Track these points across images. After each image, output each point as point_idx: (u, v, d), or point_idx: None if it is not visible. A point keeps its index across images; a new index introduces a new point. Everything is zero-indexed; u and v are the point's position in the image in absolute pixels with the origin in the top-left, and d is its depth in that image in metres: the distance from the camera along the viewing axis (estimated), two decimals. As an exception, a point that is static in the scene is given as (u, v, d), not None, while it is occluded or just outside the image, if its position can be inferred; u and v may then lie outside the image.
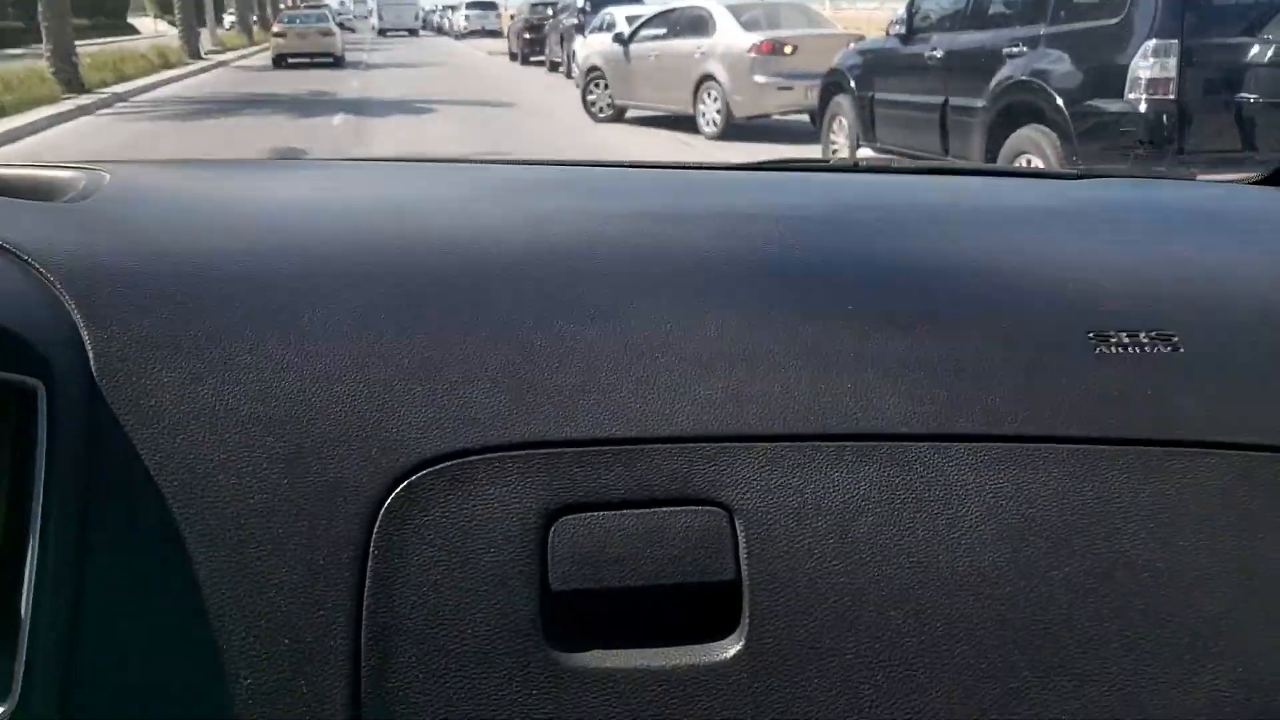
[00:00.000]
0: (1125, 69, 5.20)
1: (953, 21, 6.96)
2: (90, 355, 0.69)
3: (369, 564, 0.68)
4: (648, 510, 0.70)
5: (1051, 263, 0.88)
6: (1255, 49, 5.03)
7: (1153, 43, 5.11)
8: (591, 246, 0.86)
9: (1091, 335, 0.78)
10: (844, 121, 8.21)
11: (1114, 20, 5.41)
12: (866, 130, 7.79)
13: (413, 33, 50.47)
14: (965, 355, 0.76)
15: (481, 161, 1.34)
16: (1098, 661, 0.71)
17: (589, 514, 0.70)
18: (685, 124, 11.53)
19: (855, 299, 0.80)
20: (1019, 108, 5.94)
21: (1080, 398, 0.75)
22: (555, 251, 0.84)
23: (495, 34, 37.82)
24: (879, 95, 7.69)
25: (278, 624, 0.66)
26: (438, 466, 0.69)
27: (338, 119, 13.24)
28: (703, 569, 0.70)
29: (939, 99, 6.79)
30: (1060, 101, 5.59)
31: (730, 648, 0.70)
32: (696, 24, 11.49)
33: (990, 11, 6.67)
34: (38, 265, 0.72)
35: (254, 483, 0.67)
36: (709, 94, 11.17)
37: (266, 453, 0.68)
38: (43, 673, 0.63)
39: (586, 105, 13.43)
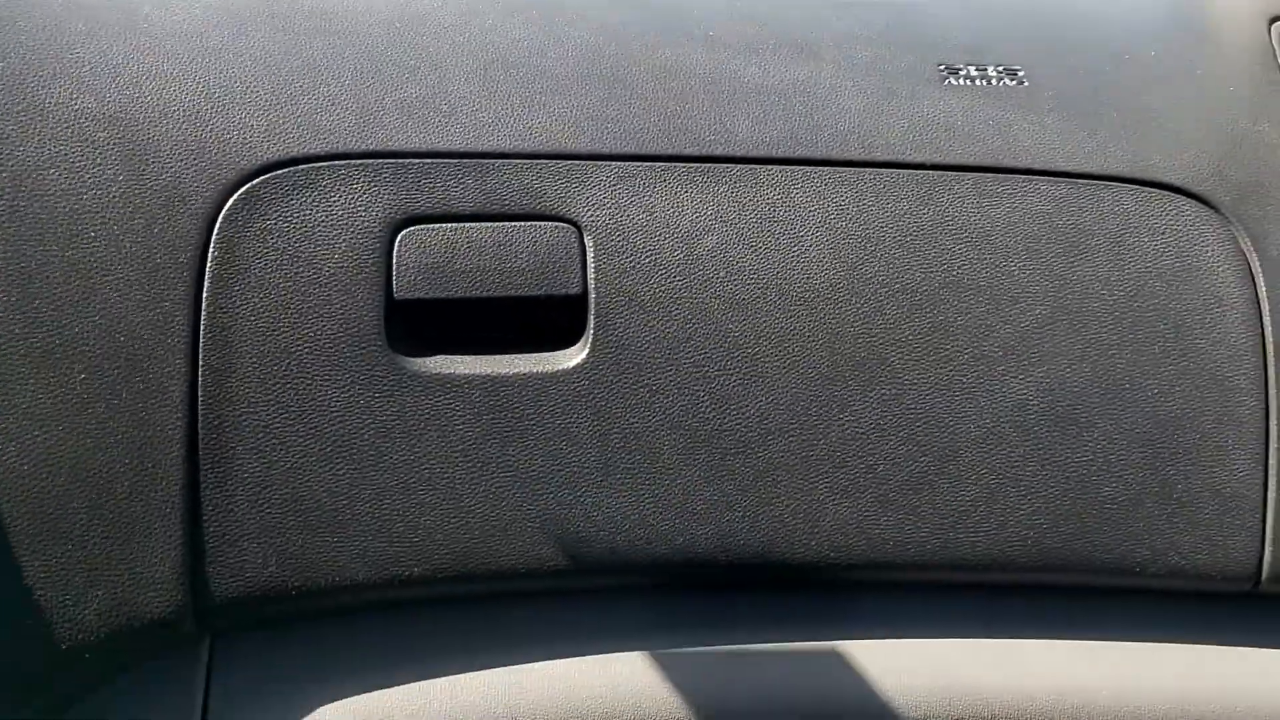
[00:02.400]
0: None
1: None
2: None
3: (208, 265, 0.71)
4: (496, 224, 0.74)
5: (906, 3, 0.93)
6: None
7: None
8: None
9: (942, 67, 0.85)
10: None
11: None
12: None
13: None
14: (818, 82, 0.82)
15: None
16: (918, 371, 0.78)
17: (435, 225, 0.74)
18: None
19: (715, 26, 0.85)
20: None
21: (926, 126, 0.81)
22: None
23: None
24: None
25: (113, 320, 0.70)
26: (279, 172, 0.72)
27: None
28: (550, 282, 0.75)
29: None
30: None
31: (574, 356, 0.75)
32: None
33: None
34: None
35: (88, 179, 0.71)
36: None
37: (100, 150, 0.71)
38: None
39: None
